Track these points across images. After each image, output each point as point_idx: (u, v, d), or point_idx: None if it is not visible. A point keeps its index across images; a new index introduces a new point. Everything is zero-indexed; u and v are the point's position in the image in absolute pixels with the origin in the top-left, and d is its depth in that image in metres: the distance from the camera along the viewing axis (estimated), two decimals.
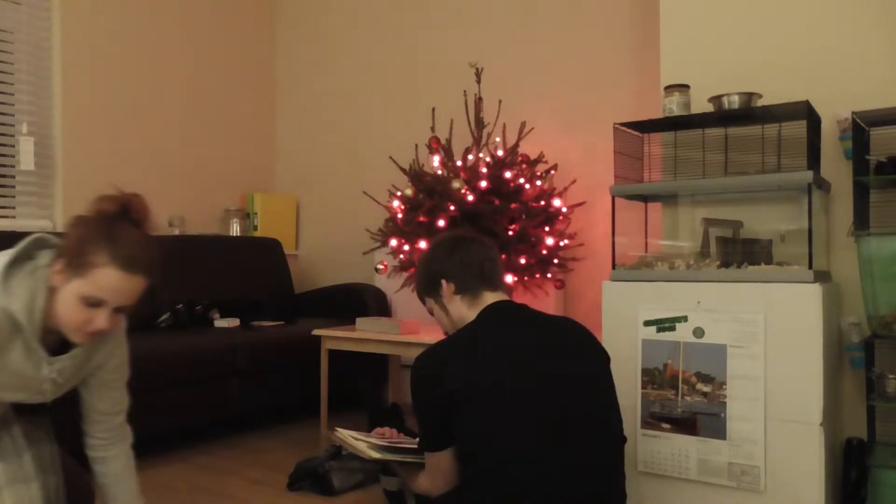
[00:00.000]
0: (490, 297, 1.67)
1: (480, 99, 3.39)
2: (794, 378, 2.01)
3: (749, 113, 2.35)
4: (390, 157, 3.60)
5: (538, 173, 3.31)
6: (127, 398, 1.76)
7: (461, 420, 1.48)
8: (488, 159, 3.26)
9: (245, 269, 4.13)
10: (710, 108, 2.42)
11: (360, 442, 1.76)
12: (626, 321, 2.28)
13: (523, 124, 3.35)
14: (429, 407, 1.54)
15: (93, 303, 1.43)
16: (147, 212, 1.53)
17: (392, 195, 3.32)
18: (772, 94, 2.40)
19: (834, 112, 2.37)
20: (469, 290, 1.68)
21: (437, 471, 1.58)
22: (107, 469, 1.73)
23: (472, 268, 1.69)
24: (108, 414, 1.72)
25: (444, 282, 1.70)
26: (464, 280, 1.69)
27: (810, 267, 2.07)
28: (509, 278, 3.07)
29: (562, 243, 3.23)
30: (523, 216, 3.13)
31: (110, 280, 1.42)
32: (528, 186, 3.21)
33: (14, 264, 1.48)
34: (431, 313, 1.79)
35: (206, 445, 3.22)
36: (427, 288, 1.76)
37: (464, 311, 1.68)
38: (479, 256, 1.71)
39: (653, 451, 2.21)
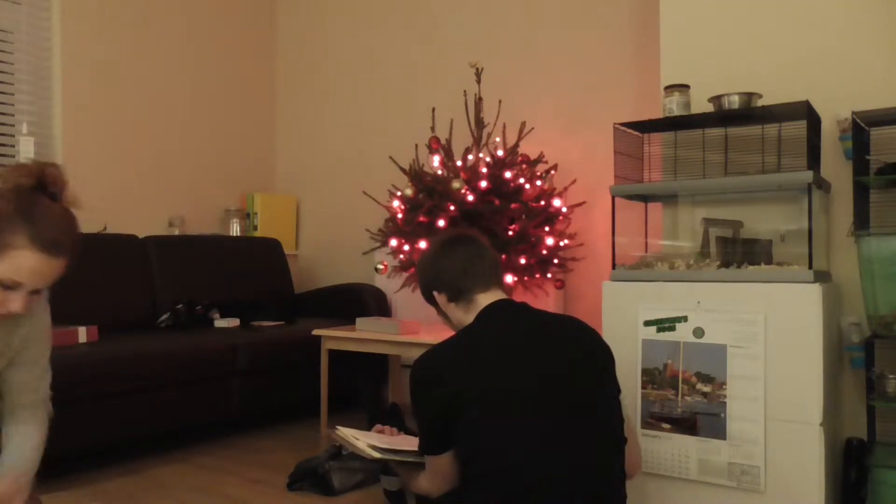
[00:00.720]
0: (484, 299, 1.66)
1: (480, 99, 3.39)
2: (794, 378, 2.01)
3: (749, 113, 2.35)
4: (390, 157, 3.60)
5: (538, 173, 3.31)
6: (47, 378, 1.65)
7: (462, 422, 1.48)
8: (488, 159, 3.26)
9: (245, 269, 4.13)
10: (710, 108, 2.42)
11: (361, 441, 1.76)
12: (626, 321, 2.28)
13: (523, 124, 3.35)
14: (429, 410, 1.53)
15: (8, 285, 1.36)
16: (65, 183, 1.42)
17: (392, 195, 3.32)
18: (772, 94, 2.40)
19: (834, 112, 2.37)
20: (461, 296, 1.67)
21: (437, 473, 1.58)
22: (6, 442, 1.59)
23: (457, 273, 1.67)
24: (22, 387, 1.59)
25: (435, 293, 1.71)
26: (452, 287, 1.67)
27: (810, 267, 2.07)
28: (509, 278, 3.07)
29: (562, 243, 3.23)
30: (523, 216, 3.13)
31: (29, 263, 1.34)
32: (528, 186, 3.21)
33: None
34: (438, 314, 1.80)
35: (206, 445, 3.22)
36: (425, 298, 1.78)
37: (461, 315, 1.68)
38: (463, 259, 1.68)
39: (653, 451, 2.21)
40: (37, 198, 1.37)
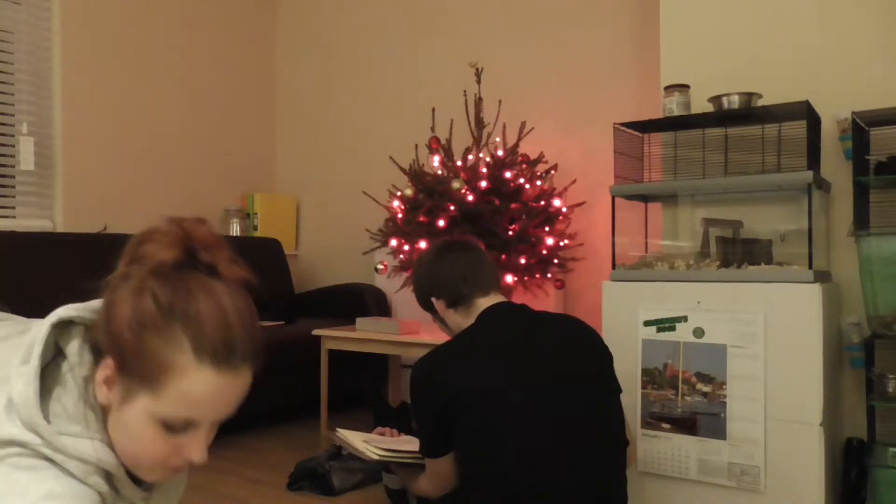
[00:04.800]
0: (484, 303, 1.66)
1: (480, 99, 3.39)
2: (794, 378, 2.01)
3: (749, 113, 2.35)
4: (390, 157, 3.60)
5: (538, 173, 3.31)
6: None
7: (462, 423, 1.47)
8: (488, 159, 3.26)
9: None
10: (710, 108, 2.42)
11: (360, 442, 1.76)
12: (626, 321, 2.28)
13: (523, 124, 3.35)
14: (429, 413, 1.53)
15: (177, 426, 0.86)
16: (220, 245, 0.92)
17: (392, 195, 3.31)
18: (772, 94, 2.40)
19: (834, 112, 2.37)
20: (460, 302, 1.67)
21: (438, 475, 1.58)
22: None
23: (456, 279, 1.67)
24: None
25: (433, 300, 1.71)
26: (452, 293, 1.67)
27: (810, 267, 2.07)
28: (509, 278, 3.07)
29: (562, 243, 3.23)
30: (523, 216, 3.12)
31: (201, 387, 0.85)
32: (528, 186, 3.21)
33: (44, 375, 0.88)
34: (434, 321, 1.79)
35: None
36: (422, 304, 1.77)
37: (460, 320, 1.68)
38: (462, 265, 1.68)
39: (653, 451, 2.21)
40: (191, 281, 0.87)
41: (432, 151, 3.33)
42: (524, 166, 3.28)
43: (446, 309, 1.69)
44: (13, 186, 3.63)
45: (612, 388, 1.62)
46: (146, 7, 4.16)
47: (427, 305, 1.75)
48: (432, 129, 3.44)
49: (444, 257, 1.71)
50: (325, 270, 4.69)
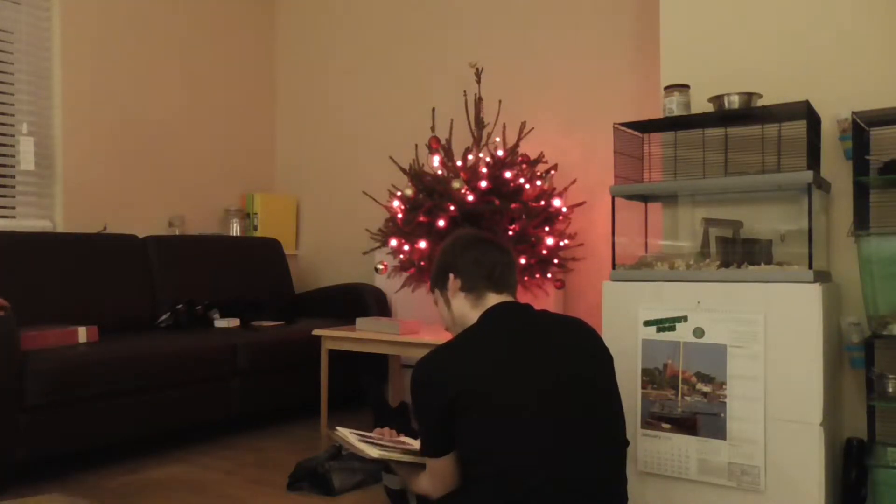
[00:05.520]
0: (493, 300, 1.66)
1: (480, 99, 3.39)
2: (794, 378, 2.01)
3: (749, 113, 2.35)
4: (390, 157, 3.60)
5: (538, 173, 3.31)
6: None
7: (463, 423, 1.47)
8: (488, 159, 3.26)
9: (245, 269, 4.13)
10: (710, 108, 2.42)
11: (360, 441, 1.76)
12: (626, 321, 2.28)
13: (523, 124, 3.35)
14: (430, 413, 1.53)
15: None
16: None
17: (392, 195, 3.32)
18: (772, 94, 2.40)
19: (834, 112, 2.37)
20: (474, 289, 1.67)
21: (438, 475, 1.58)
22: None
23: (482, 268, 1.67)
24: None
25: (451, 275, 1.70)
26: (471, 278, 1.68)
27: (810, 267, 2.07)
28: None
29: (562, 243, 3.23)
30: (523, 216, 3.13)
31: None
32: (528, 186, 3.21)
33: None
34: (436, 304, 1.79)
35: (206, 445, 3.22)
36: (436, 279, 1.76)
37: (466, 309, 1.67)
38: (493, 259, 1.70)
39: (653, 451, 2.21)
40: None
41: (432, 151, 3.33)
42: (524, 166, 3.28)
43: (458, 291, 1.69)
44: (13, 186, 3.63)
45: (613, 388, 1.62)
46: (146, 7, 4.16)
47: (440, 282, 1.74)
48: (432, 129, 3.44)
49: (480, 246, 1.73)
50: (325, 270, 4.69)
